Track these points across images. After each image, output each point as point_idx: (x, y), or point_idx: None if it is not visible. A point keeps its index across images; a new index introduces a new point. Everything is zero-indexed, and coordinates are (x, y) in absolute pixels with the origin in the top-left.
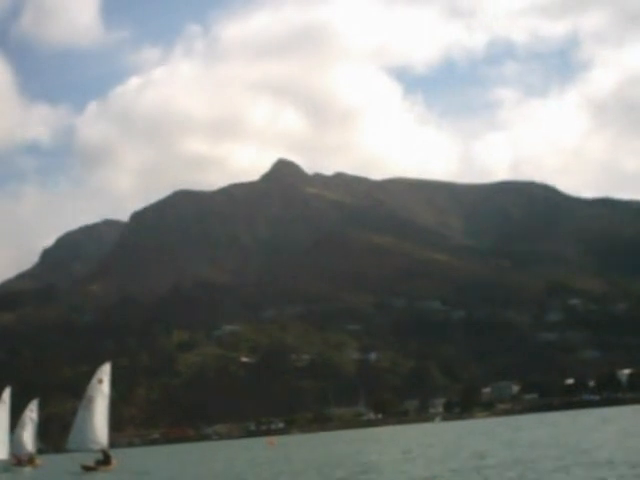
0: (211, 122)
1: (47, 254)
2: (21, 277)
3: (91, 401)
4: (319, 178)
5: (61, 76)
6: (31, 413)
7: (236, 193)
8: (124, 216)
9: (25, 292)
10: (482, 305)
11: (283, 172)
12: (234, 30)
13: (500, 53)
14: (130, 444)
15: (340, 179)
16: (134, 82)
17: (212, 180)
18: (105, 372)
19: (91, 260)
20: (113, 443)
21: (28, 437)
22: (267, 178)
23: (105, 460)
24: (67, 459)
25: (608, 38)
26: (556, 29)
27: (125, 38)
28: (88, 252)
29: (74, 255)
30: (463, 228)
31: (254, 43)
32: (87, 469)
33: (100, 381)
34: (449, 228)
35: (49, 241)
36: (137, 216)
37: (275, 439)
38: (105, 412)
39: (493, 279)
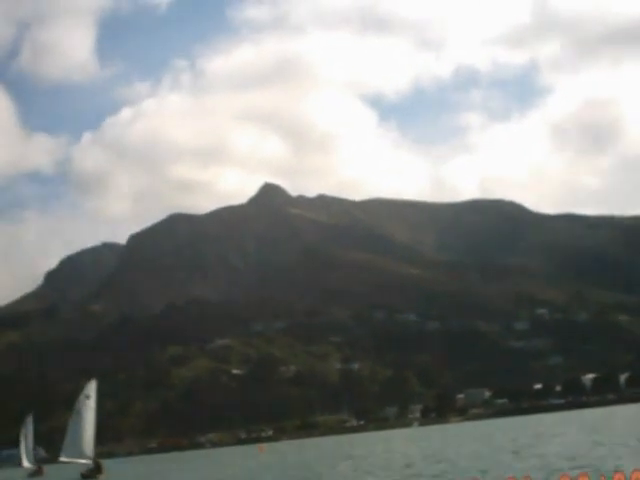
0: (198, 149)
1: (50, 276)
2: (26, 298)
3: (80, 415)
4: (302, 200)
5: (59, 108)
6: (25, 428)
7: (226, 215)
8: (122, 239)
9: (30, 312)
10: (455, 316)
11: (269, 195)
12: (218, 64)
13: (465, 81)
14: (129, 453)
15: (322, 200)
16: (126, 113)
17: (201, 202)
18: (92, 388)
19: (91, 281)
20: (112, 453)
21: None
22: (254, 201)
23: (97, 469)
24: (69, 468)
25: (565, 65)
26: (516, 58)
27: (117, 73)
28: (89, 274)
29: (76, 277)
30: (436, 244)
31: (237, 75)
32: (85, 477)
33: (87, 397)
34: (423, 244)
35: (52, 263)
36: (134, 239)
37: (265, 446)
38: (92, 425)
39: (464, 291)
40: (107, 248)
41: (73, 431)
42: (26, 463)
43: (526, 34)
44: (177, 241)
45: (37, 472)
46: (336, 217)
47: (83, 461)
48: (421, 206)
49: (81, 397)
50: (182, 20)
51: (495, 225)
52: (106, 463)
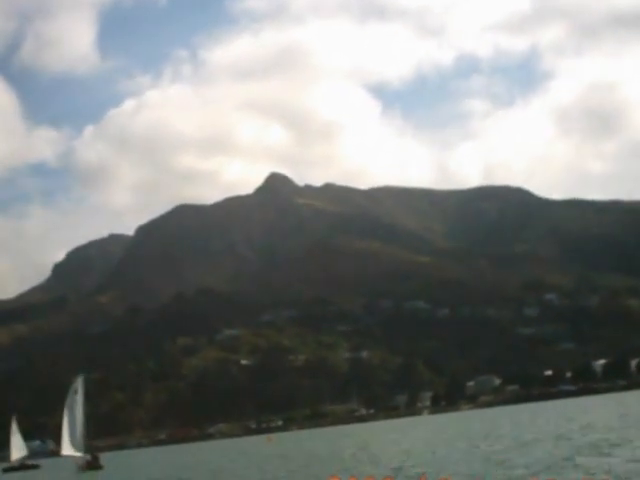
0: (202, 139)
1: (58, 268)
2: (34, 290)
3: (71, 411)
4: (309, 189)
5: (61, 101)
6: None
7: (232, 205)
8: (128, 230)
9: (38, 304)
10: (464, 303)
11: (275, 184)
12: (218, 54)
13: (467, 67)
14: (139, 445)
15: (328, 189)
16: (128, 105)
17: (206, 193)
18: (79, 384)
19: (99, 273)
20: (123, 444)
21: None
22: (261, 190)
23: (94, 461)
24: (67, 461)
25: (567, 50)
26: (518, 44)
27: (119, 65)
28: (96, 265)
29: (83, 268)
30: (444, 231)
31: (238, 65)
32: (83, 469)
33: (76, 392)
34: (431, 232)
35: (60, 256)
36: (142, 230)
37: (273, 436)
38: (81, 419)
39: (473, 278)
40: (114, 240)
41: (68, 426)
42: (69, 451)
43: (527, 19)
44: (184, 231)
45: (90, 462)
46: (343, 206)
47: (79, 454)
48: (428, 194)
49: (70, 393)
50: (182, 11)
51: (502, 212)
52: (112, 455)
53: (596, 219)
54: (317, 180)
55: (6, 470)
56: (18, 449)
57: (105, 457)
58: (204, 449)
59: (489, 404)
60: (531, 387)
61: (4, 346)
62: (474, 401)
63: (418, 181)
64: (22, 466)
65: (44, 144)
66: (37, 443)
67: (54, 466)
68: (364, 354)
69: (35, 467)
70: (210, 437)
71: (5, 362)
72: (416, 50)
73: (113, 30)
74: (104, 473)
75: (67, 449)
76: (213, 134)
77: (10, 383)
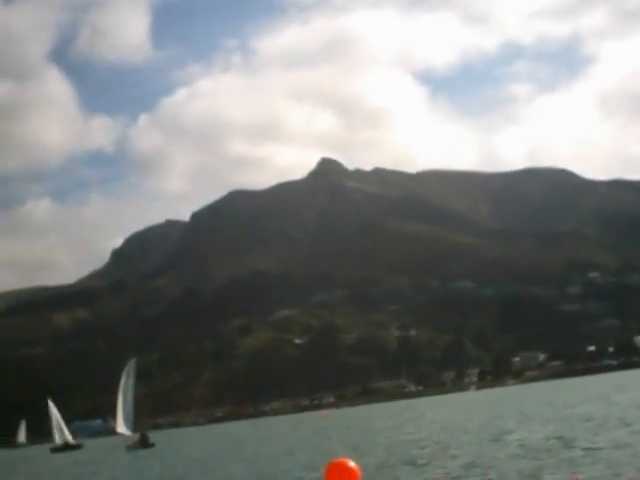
0: (253, 127)
1: (116, 254)
2: (94, 276)
3: (124, 392)
4: (359, 173)
5: (116, 90)
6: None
7: (285, 190)
8: (184, 216)
9: (98, 289)
10: (509, 282)
11: (326, 169)
12: (268, 43)
13: (512, 53)
14: (195, 423)
15: (378, 173)
16: (181, 94)
17: (258, 178)
18: (132, 367)
19: (157, 257)
20: (179, 422)
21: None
22: (312, 175)
23: (143, 441)
24: (116, 440)
25: (609, 34)
26: (561, 29)
27: (171, 55)
28: (154, 250)
29: (141, 253)
30: (490, 213)
31: (287, 54)
32: (132, 447)
33: (128, 374)
34: (477, 213)
35: (118, 242)
36: (197, 215)
37: (327, 412)
38: (132, 400)
39: (518, 258)
40: (170, 225)
41: (122, 406)
42: (122, 429)
43: (570, 5)
44: (238, 216)
45: (140, 441)
46: (392, 189)
47: (130, 433)
48: (474, 176)
49: (124, 375)
50: (232, 1)
51: (547, 192)
52: (168, 433)
53: (638, 199)
54: (367, 164)
55: (54, 450)
56: (59, 431)
57: (162, 434)
58: (262, 426)
59: (534, 379)
60: (575, 362)
61: (65, 329)
62: (520, 376)
63: (464, 164)
64: (67, 446)
65: (100, 132)
66: (98, 422)
67: (103, 445)
68: (413, 332)
69: (78, 447)
70: (263, 414)
71: (66, 345)
72: (461, 37)
73: (165, 20)
74: (152, 451)
75: (121, 427)
76: (264, 121)
77: (72, 365)
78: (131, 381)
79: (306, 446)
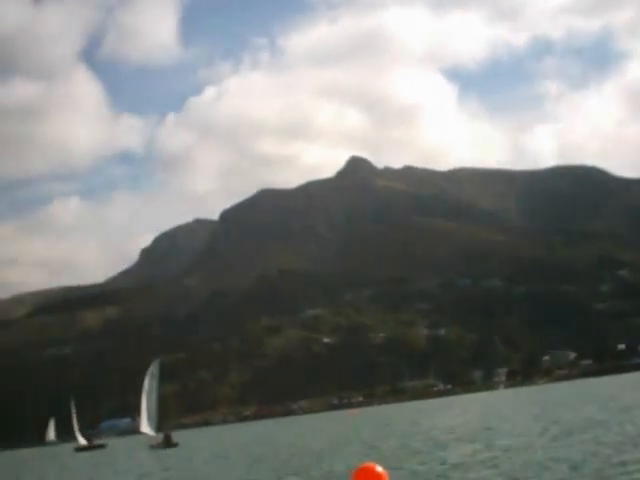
0: (281, 125)
1: (145, 253)
2: (123, 274)
3: (149, 393)
4: (388, 171)
5: (144, 90)
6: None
7: (313, 188)
8: (212, 215)
9: (127, 288)
10: (539, 280)
11: (356, 167)
12: (296, 41)
13: (541, 50)
14: (224, 421)
15: (408, 171)
16: (209, 93)
17: (286, 176)
18: (155, 367)
19: (186, 256)
20: (208, 421)
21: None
22: (341, 174)
23: (166, 441)
24: (140, 440)
25: None
26: (590, 25)
27: (199, 54)
28: (183, 249)
29: (170, 253)
30: (519, 211)
31: (316, 52)
32: (156, 447)
33: (152, 375)
34: (507, 211)
35: (147, 241)
36: (226, 214)
37: (356, 410)
38: (156, 401)
39: (548, 256)
40: (199, 224)
41: (146, 407)
42: (146, 429)
43: (599, 2)
44: (267, 215)
45: (164, 441)
46: (422, 187)
47: (153, 433)
48: (504, 174)
49: (148, 375)
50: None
51: (577, 190)
52: (195, 432)
53: None
54: (396, 162)
55: (78, 450)
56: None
57: (189, 434)
58: (292, 425)
59: (564, 378)
60: (605, 361)
61: (95, 328)
62: (549, 375)
63: (494, 162)
64: (90, 446)
65: (129, 132)
66: (127, 421)
67: (126, 445)
68: (442, 331)
69: (102, 447)
70: (292, 413)
71: (96, 344)
72: (490, 33)
73: (193, 19)
74: (176, 451)
75: (144, 427)
76: (292, 119)
77: (101, 364)
78: (155, 382)
79: (332, 447)
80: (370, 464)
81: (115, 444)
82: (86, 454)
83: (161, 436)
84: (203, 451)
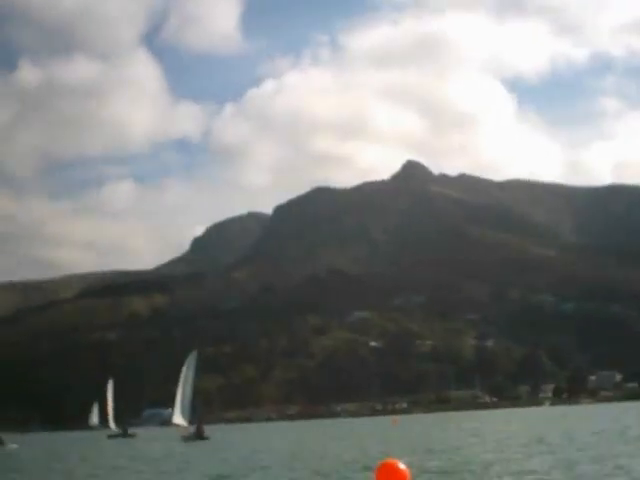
0: (339, 124)
1: (197, 242)
2: (173, 262)
3: (184, 384)
4: (444, 178)
5: (203, 78)
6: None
7: (368, 190)
8: (265, 209)
9: (177, 276)
10: (589, 299)
11: (411, 172)
12: (358, 40)
13: (602, 67)
14: (268, 419)
15: (463, 179)
16: (268, 86)
17: (340, 176)
18: (193, 359)
19: (237, 249)
20: (250, 418)
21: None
22: (397, 177)
23: (198, 433)
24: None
25: None
26: None
27: (260, 46)
28: (234, 242)
29: (221, 244)
30: (573, 227)
31: (377, 52)
32: (186, 439)
33: (188, 367)
34: (560, 227)
35: (198, 231)
36: (279, 210)
37: (399, 418)
38: (190, 392)
39: (600, 275)
40: (252, 217)
41: (180, 398)
42: (179, 420)
43: None
44: (320, 213)
45: (196, 433)
46: (476, 196)
47: (186, 425)
48: (559, 189)
49: (184, 368)
50: None
51: (632, 210)
52: (236, 427)
53: None
54: (451, 169)
55: (110, 437)
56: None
57: (229, 429)
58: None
59: (609, 399)
60: None
61: (142, 315)
62: (595, 395)
63: (550, 176)
64: (121, 434)
65: (186, 119)
66: (169, 411)
67: (159, 435)
68: (489, 343)
69: (132, 436)
70: (335, 415)
71: (143, 331)
72: (552, 46)
73: (256, 12)
74: (206, 444)
75: (178, 418)
76: (350, 119)
77: (147, 352)
78: (191, 373)
79: (363, 450)
80: (393, 460)
81: (148, 434)
82: (113, 441)
83: (193, 428)
84: (231, 447)
